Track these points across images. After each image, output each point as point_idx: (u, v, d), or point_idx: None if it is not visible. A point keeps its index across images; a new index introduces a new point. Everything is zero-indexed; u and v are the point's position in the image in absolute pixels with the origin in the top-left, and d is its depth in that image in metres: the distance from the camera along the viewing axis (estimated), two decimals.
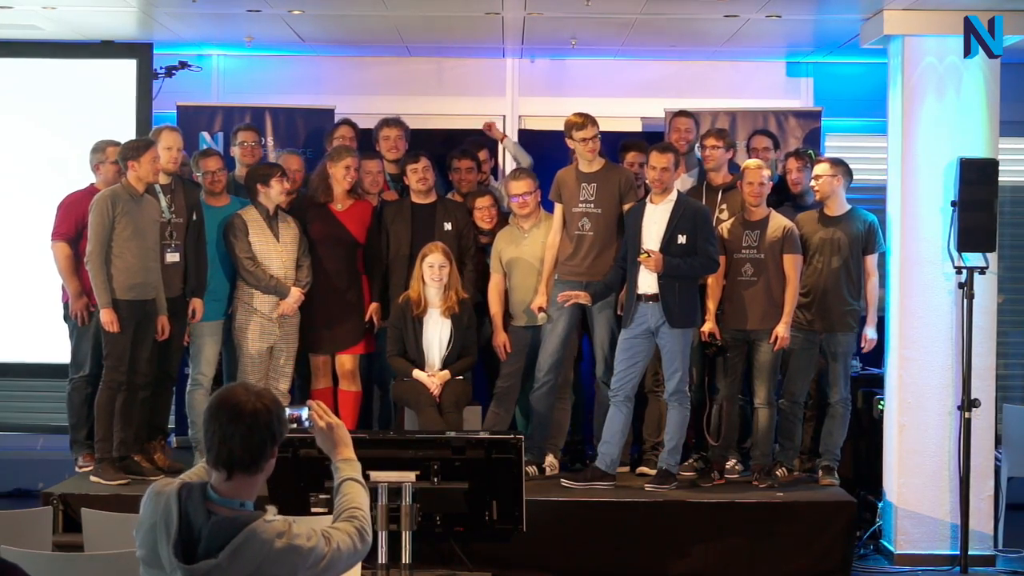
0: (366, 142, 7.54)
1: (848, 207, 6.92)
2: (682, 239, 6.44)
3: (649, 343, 6.52)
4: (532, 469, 6.73)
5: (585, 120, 6.71)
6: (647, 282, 6.45)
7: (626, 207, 6.69)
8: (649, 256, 6.39)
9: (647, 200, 6.58)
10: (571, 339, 6.86)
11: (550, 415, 6.86)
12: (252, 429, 2.85)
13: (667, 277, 6.41)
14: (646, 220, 6.51)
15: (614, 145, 7.52)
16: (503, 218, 7.19)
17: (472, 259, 7.06)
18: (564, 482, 6.56)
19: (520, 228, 6.93)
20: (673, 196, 6.52)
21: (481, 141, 7.88)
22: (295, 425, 3.14)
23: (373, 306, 7.02)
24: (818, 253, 6.83)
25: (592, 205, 6.70)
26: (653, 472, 6.69)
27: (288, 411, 3.11)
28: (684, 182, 7.16)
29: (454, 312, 6.71)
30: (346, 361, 7.01)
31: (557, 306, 6.71)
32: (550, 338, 6.75)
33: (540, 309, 6.71)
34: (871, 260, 6.91)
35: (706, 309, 6.72)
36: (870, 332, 6.92)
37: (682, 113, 7.52)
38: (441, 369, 6.70)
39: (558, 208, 6.79)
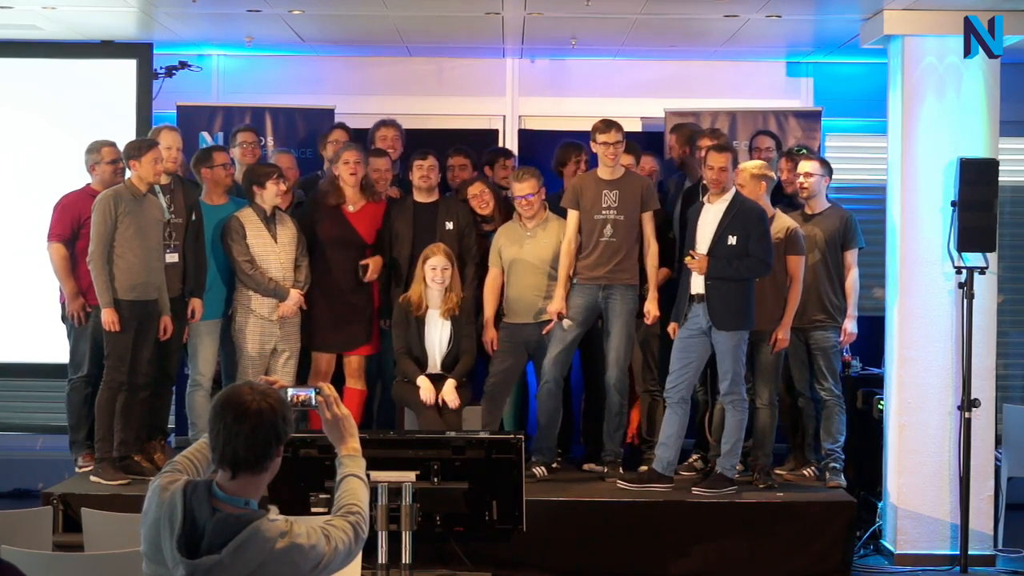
0: (362, 143, 7.53)
1: (827, 204, 6.95)
2: (732, 240, 6.38)
3: (703, 343, 6.46)
4: (540, 470, 6.72)
5: (609, 125, 6.69)
6: (697, 282, 6.43)
7: (645, 214, 6.70)
8: (694, 258, 6.38)
9: (705, 200, 6.55)
10: (577, 338, 6.85)
11: (556, 415, 6.86)
12: (257, 429, 2.86)
13: (714, 279, 6.38)
14: (700, 220, 6.48)
15: None
16: (501, 203, 7.19)
17: (473, 259, 7.05)
18: (620, 484, 6.54)
19: (524, 227, 6.92)
20: (728, 196, 6.45)
21: (499, 150, 7.94)
22: (301, 407, 3.13)
23: (376, 258, 6.97)
24: None
25: (615, 212, 6.68)
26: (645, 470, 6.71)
27: (292, 392, 3.12)
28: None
29: (454, 314, 6.71)
30: (352, 359, 7.02)
31: (575, 309, 6.71)
32: (561, 340, 6.72)
33: (560, 316, 6.68)
34: (850, 255, 6.92)
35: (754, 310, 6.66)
36: (850, 326, 6.91)
37: (678, 127, 7.49)
38: (442, 369, 6.70)
39: (573, 215, 6.76)
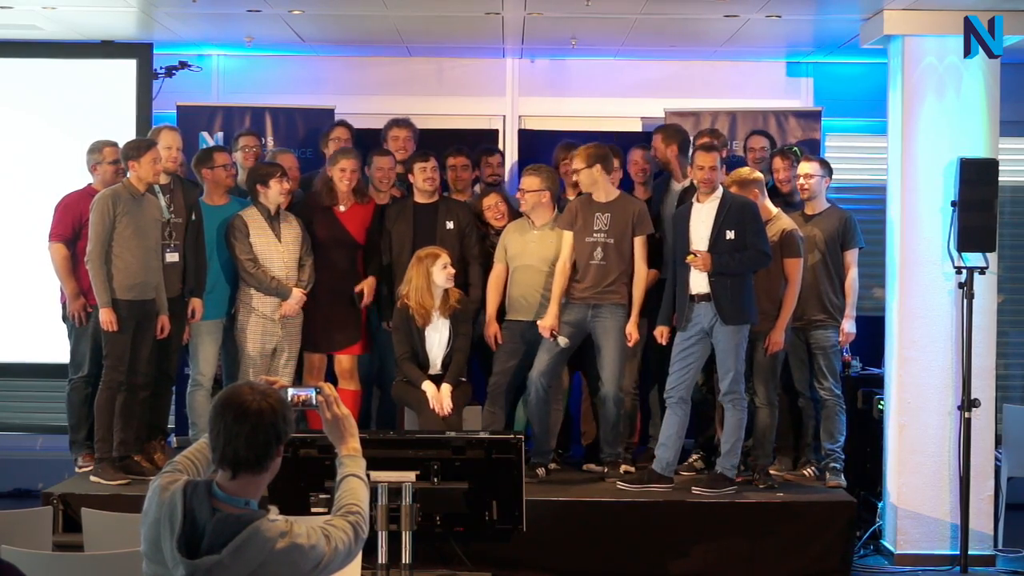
0: (363, 142, 7.54)
1: (826, 205, 6.96)
2: (730, 235, 6.39)
3: (704, 344, 6.46)
4: (542, 471, 6.73)
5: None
6: (698, 282, 6.42)
7: (637, 239, 6.69)
8: (696, 256, 6.38)
9: (693, 200, 6.55)
10: (567, 353, 6.84)
11: (552, 417, 6.85)
12: (257, 429, 2.86)
13: (718, 275, 6.38)
14: (693, 220, 6.48)
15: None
16: (515, 215, 7.18)
17: (476, 258, 7.05)
18: (620, 485, 6.53)
19: (532, 224, 6.92)
20: (719, 194, 6.47)
21: (491, 148, 7.91)
22: (302, 407, 3.14)
23: (369, 281, 6.98)
24: None
25: (605, 235, 6.67)
26: (632, 470, 6.71)
27: (293, 392, 3.12)
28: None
29: (454, 311, 6.70)
30: (343, 360, 7.02)
31: (565, 327, 6.69)
32: (549, 350, 6.70)
33: (553, 334, 6.66)
34: (850, 255, 6.92)
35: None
36: (848, 326, 6.91)
37: (661, 128, 7.47)
38: (442, 369, 6.69)
39: (568, 236, 6.74)
